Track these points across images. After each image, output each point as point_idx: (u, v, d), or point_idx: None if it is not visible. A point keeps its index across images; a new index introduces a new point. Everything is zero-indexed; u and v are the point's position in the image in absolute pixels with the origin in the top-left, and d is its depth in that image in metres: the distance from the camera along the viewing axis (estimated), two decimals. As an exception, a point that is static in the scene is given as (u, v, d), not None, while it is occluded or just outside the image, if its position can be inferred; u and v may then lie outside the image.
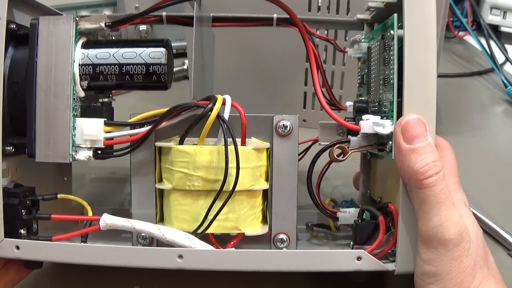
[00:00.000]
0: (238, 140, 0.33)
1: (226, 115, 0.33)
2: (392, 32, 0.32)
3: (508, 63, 0.75)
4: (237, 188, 0.32)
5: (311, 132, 0.41)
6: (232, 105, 0.33)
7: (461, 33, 0.83)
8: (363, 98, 0.40)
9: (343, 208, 0.43)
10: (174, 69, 0.71)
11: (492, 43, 0.76)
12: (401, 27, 0.32)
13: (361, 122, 0.33)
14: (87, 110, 0.35)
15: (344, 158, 0.34)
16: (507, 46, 0.78)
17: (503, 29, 0.81)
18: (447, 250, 0.29)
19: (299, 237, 0.38)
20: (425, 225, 0.29)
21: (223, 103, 0.33)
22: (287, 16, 0.38)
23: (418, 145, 0.30)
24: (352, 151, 0.34)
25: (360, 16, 0.41)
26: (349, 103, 0.41)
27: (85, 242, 0.34)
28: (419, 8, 0.31)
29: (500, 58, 0.74)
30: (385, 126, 0.32)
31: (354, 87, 0.44)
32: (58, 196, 0.36)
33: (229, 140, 0.32)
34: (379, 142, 0.34)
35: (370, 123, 0.33)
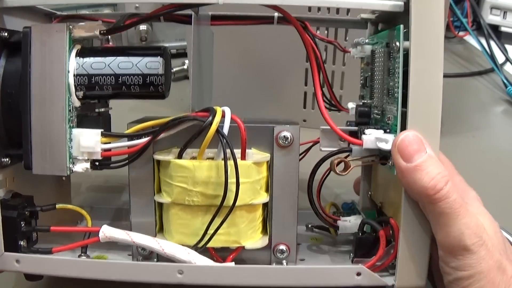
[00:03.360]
0: (238, 152, 0.32)
1: (225, 130, 0.32)
2: (397, 43, 0.31)
3: (508, 63, 0.75)
4: (237, 203, 0.32)
5: (311, 132, 0.40)
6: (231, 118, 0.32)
7: (461, 33, 0.83)
8: (366, 101, 0.40)
9: (344, 211, 0.43)
10: (174, 69, 0.70)
11: (492, 43, 0.75)
12: (406, 35, 0.31)
13: (363, 136, 0.32)
14: (84, 119, 0.34)
15: (346, 172, 0.33)
16: (507, 46, 0.78)
17: (503, 29, 0.81)
18: (472, 253, 0.29)
19: (298, 240, 0.38)
20: (447, 236, 0.29)
21: (223, 116, 0.32)
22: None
23: (418, 161, 0.30)
24: (354, 166, 0.33)
25: (363, 15, 0.40)
26: (351, 105, 0.40)
27: (85, 252, 0.34)
28: (426, 21, 0.30)
29: (500, 58, 0.74)
30: (388, 142, 0.31)
31: (354, 87, 0.43)
32: (57, 206, 0.35)
33: (228, 152, 0.31)
34: (382, 154, 0.34)
35: (372, 138, 0.32)
